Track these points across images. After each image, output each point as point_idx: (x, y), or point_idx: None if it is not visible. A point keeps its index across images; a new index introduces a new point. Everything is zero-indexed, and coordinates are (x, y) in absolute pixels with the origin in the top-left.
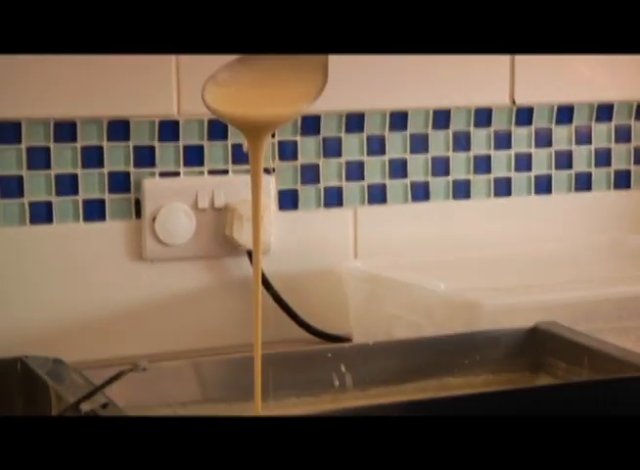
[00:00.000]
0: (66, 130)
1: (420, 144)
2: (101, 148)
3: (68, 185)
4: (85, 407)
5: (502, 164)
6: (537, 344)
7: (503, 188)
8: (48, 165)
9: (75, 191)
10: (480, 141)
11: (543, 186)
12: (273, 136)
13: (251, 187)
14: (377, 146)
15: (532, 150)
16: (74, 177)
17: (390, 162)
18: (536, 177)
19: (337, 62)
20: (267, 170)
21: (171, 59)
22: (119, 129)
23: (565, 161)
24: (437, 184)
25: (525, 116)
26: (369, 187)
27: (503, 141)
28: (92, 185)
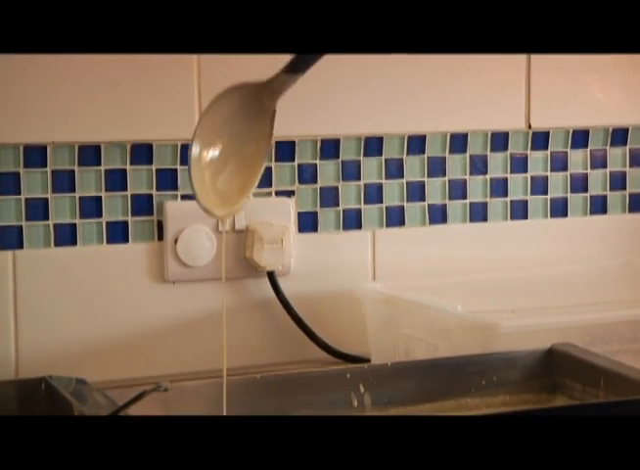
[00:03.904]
0: (90, 154)
1: (437, 167)
2: (124, 171)
3: (92, 208)
4: None
5: (518, 187)
6: (553, 365)
7: (519, 211)
8: (73, 188)
9: (99, 213)
10: (497, 165)
11: (559, 209)
12: (293, 160)
13: None
14: (395, 169)
15: (548, 173)
16: (98, 200)
17: (408, 185)
18: (552, 200)
19: (356, 87)
20: (288, 193)
21: (193, 83)
22: (143, 153)
23: (580, 184)
24: (455, 207)
25: (540, 140)
26: (387, 210)
27: (519, 165)
28: (115, 208)
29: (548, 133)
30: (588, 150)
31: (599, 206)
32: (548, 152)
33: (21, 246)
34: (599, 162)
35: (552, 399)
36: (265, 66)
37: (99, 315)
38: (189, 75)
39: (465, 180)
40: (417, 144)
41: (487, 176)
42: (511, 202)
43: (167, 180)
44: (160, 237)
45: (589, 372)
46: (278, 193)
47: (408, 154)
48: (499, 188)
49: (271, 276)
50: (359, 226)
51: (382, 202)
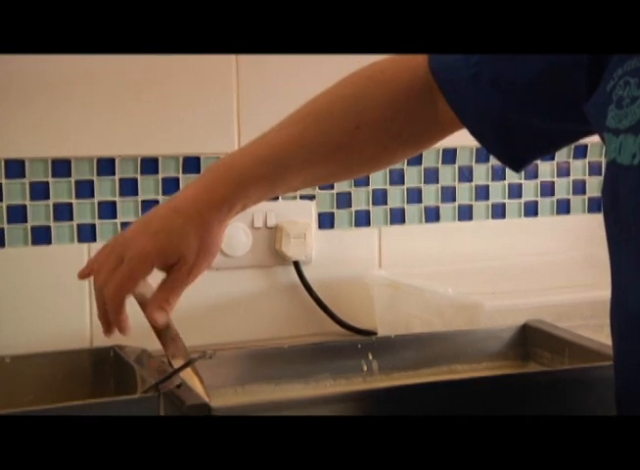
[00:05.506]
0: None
1: (432, 176)
2: (177, 179)
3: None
4: (163, 387)
5: (498, 192)
6: (527, 338)
7: (499, 212)
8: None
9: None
10: (481, 174)
11: (531, 210)
12: None
13: None
14: (398, 177)
15: (523, 181)
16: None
17: (409, 190)
18: (525, 203)
19: None
20: (309, 197)
21: (233, 101)
22: (193, 164)
23: (548, 190)
24: (446, 209)
25: None
26: (391, 210)
27: (499, 174)
28: None
29: None
30: (555, 162)
31: (564, 208)
32: None
33: (94, 239)
34: (564, 171)
35: (525, 366)
36: (302, 82)
37: None
38: (229, 92)
39: (454, 187)
40: (415, 157)
41: (473, 183)
42: (492, 204)
43: None
44: None
45: (556, 343)
46: (302, 197)
47: (409, 165)
48: (482, 193)
49: (296, 265)
50: (368, 224)
51: (387, 204)
